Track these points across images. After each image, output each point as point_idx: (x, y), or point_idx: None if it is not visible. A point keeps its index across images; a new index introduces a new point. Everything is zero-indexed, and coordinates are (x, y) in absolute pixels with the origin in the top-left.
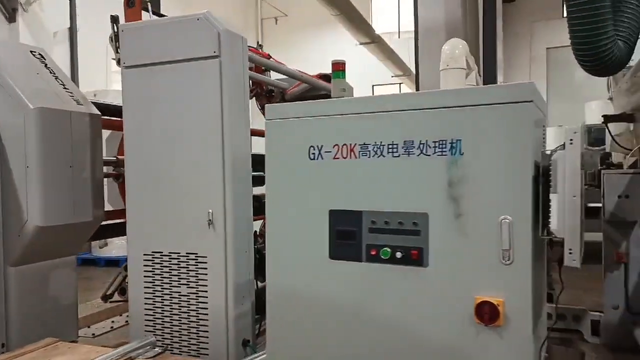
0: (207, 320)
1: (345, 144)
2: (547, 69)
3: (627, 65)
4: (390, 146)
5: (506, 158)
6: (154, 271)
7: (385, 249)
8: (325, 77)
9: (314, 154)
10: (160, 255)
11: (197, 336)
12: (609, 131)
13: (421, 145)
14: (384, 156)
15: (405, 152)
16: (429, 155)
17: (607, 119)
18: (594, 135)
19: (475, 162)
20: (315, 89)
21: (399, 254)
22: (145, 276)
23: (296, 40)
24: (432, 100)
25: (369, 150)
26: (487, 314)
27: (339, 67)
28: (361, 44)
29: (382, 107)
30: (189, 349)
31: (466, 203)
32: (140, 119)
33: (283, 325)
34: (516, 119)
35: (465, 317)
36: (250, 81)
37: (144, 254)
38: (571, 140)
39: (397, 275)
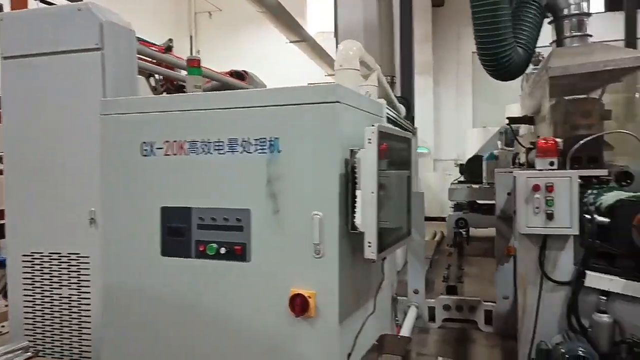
0: (89, 323)
1: (175, 141)
2: (473, 72)
3: (533, 70)
4: (216, 143)
5: (316, 156)
6: (33, 272)
7: (211, 245)
8: (237, 75)
9: (146, 150)
10: (40, 255)
11: (79, 340)
12: (513, 132)
13: (244, 143)
14: (211, 153)
15: (230, 149)
16: (251, 152)
17: (511, 121)
18: (510, 137)
19: (291, 159)
20: (226, 86)
21: (223, 250)
22: (24, 278)
23: (231, 36)
24: (252, 99)
25: (197, 147)
26: (298, 305)
27: (194, 64)
28: (291, 42)
29: (209, 104)
30: (70, 354)
31: (283, 199)
32: (20, 112)
33: (119, 323)
34: (323, 118)
35: (282, 309)
36: (161, 76)
37: (23, 255)
38: (369, 139)
39: (223, 270)
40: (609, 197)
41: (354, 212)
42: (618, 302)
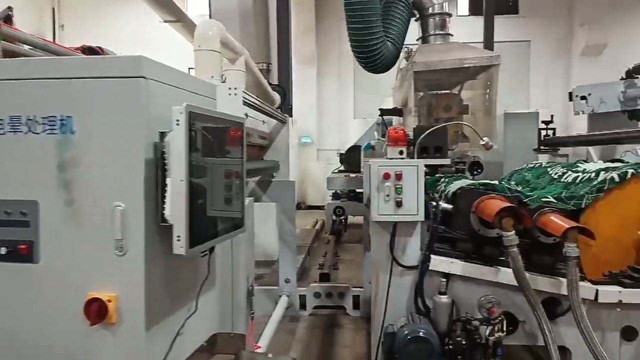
0: None
1: None
2: (354, 64)
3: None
4: None
5: (117, 139)
6: None
7: None
8: (91, 51)
9: None
10: None
11: None
12: (384, 123)
13: (29, 122)
14: None
15: (11, 129)
16: (37, 133)
17: (383, 112)
18: (383, 128)
19: (87, 142)
20: None
21: (4, 250)
22: None
23: (100, 11)
24: (39, 70)
25: None
26: (94, 311)
27: None
28: (165, 21)
29: None
30: None
31: (79, 189)
32: None
33: None
34: (125, 95)
35: (77, 317)
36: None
37: None
38: (177, 120)
39: (4, 274)
40: (455, 185)
41: (164, 202)
42: (457, 283)
